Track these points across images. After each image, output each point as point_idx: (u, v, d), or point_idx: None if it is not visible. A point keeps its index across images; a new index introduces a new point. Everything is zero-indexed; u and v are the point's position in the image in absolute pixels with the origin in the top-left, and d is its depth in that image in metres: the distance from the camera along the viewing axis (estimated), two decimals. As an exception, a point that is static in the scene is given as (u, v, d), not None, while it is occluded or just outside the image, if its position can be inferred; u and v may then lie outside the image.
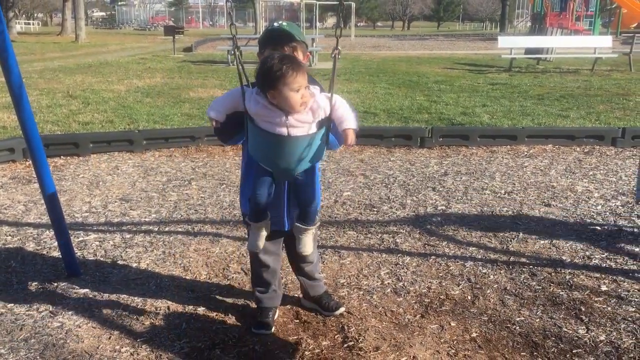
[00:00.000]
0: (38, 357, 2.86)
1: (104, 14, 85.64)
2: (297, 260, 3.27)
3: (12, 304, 3.39)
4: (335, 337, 3.09)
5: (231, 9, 2.74)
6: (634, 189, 3.53)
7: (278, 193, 2.86)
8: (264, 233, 2.90)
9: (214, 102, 2.76)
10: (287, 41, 2.84)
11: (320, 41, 19.87)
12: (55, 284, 3.65)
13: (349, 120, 2.63)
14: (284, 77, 2.46)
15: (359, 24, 74.06)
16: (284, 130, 2.57)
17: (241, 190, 3.15)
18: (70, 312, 3.30)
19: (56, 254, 3.97)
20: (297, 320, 3.26)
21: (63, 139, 7.01)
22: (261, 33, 3.17)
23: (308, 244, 2.89)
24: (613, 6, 36.38)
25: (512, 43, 17.79)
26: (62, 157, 6.68)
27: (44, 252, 4.13)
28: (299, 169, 2.69)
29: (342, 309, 3.32)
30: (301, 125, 2.59)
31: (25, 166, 6.22)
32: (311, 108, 2.59)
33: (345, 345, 3.01)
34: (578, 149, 7.20)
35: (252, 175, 2.82)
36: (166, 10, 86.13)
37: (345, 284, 3.69)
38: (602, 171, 6.24)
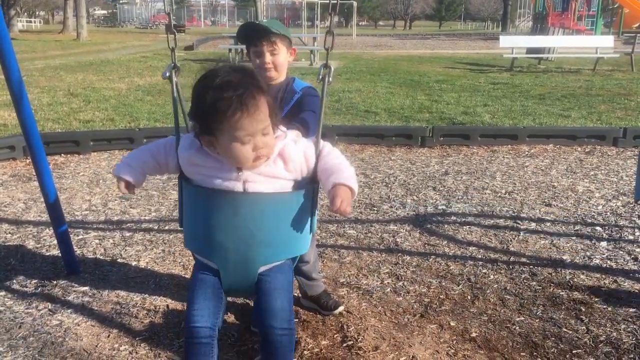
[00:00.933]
0: (37, 355, 2.86)
1: (105, 12, 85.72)
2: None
3: (11, 302, 3.39)
4: (335, 336, 3.09)
5: (169, 13, 2.15)
6: (635, 188, 3.52)
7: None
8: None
9: (130, 154, 2.08)
10: (264, 35, 2.46)
11: (322, 40, 19.83)
12: (55, 282, 3.64)
13: (340, 173, 1.77)
14: (220, 115, 1.65)
15: (360, 23, 74.06)
16: (238, 186, 1.77)
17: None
18: (69, 310, 3.30)
19: (56, 252, 3.96)
20: (296, 320, 3.25)
21: (63, 137, 7.01)
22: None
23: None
24: (615, 6, 36.33)
25: (514, 42, 17.77)
26: (62, 155, 6.68)
27: (44, 250, 4.13)
28: (264, 260, 1.77)
29: (341, 308, 3.30)
30: (266, 180, 1.79)
31: (25, 164, 6.21)
32: (281, 155, 1.79)
33: (345, 345, 3.00)
34: (579, 148, 7.19)
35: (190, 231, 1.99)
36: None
37: (344, 283, 3.68)
38: (603, 171, 6.23)
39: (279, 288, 1.83)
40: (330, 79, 1.89)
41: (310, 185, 1.82)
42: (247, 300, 3.40)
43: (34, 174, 3.63)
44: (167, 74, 2.04)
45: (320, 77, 1.90)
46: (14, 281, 3.66)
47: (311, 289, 3.30)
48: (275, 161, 1.78)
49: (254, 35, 2.50)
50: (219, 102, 1.63)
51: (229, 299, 3.33)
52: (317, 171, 1.81)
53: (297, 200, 1.78)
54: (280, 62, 2.59)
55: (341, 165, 1.80)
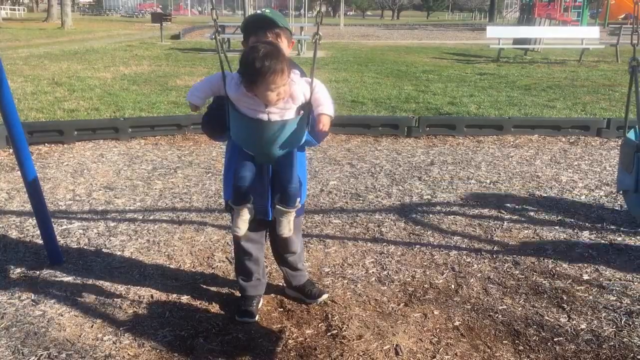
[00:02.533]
0: (19, 346, 2.84)
1: (91, 0, 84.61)
2: (280, 251, 3.26)
3: (-6, 293, 3.36)
4: (319, 325, 3.10)
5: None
6: (617, 180, 3.56)
7: (262, 181, 2.85)
8: (247, 217, 2.88)
9: (194, 87, 2.76)
10: (270, 27, 2.83)
11: (309, 30, 19.75)
12: (38, 272, 3.62)
13: (325, 106, 2.66)
14: (262, 76, 2.46)
15: (348, 13, 73.83)
16: (264, 116, 2.60)
17: (224, 178, 3.13)
18: (52, 301, 3.28)
19: (39, 242, 3.93)
20: (281, 309, 3.26)
21: (47, 127, 6.93)
22: (242, 20, 3.20)
23: (287, 227, 2.86)
24: (601, -3, 36.49)
25: (501, 33, 17.79)
26: (46, 144, 6.61)
27: (27, 240, 4.10)
28: (280, 152, 2.71)
29: (325, 296, 3.32)
30: (281, 111, 2.61)
31: (8, 154, 6.14)
32: (291, 95, 2.61)
33: (329, 334, 3.01)
34: (563, 139, 7.24)
35: (235, 161, 2.82)
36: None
37: (329, 272, 3.69)
38: (586, 161, 6.28)
39: (288, 165, 2.78)
40: (320, 42, 2.76)
41: (306, 108, 2.66)
42: (232, 290, 3.41)
43: (17, 163, 3.59)
44: (213, 36, 2.77)
45: (312, 40, 2.75)
46: (-3, 271, 3.63)
47: (296, 278, 3.31)
48: (287, 100, 2.61)
49: (259, 26, 2.84)
50: (261, 68, 2.44)
51: (214, 289, 3.34)
52: (312, 99, 2.65)
53: (299, 121, 2.66)
54: None
55: (325, 100, 2.66)
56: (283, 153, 2.74)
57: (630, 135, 3.24)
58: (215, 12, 2.75)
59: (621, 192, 3.48)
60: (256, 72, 2.46)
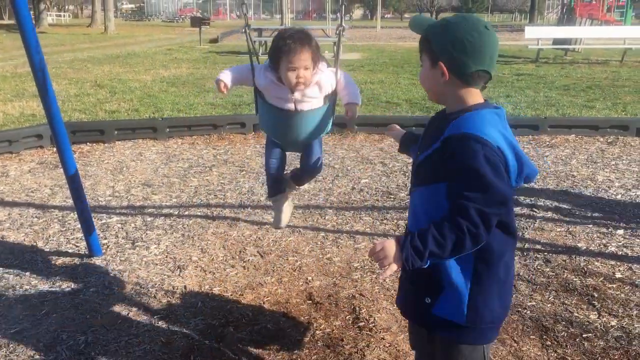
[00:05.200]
0: (59, 331, 2.98)
1: (133, 6, 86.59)
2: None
3: (36, 282, 3.52)
4: (347, 318, 3.15)
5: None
6: None
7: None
8: (287, 208, 3.13)
9: (226, 69, 2.88)
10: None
11: (346, 32, 19.81)
12: (78, 263, 3.77)
13: (352, 95, 2.77)
14: (284, 53, 2.58)
15: (385, 16, 73.68)
16: (291, 106, 2.71)
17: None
18: (91, 290, 3.42)
19: (79, 235, 4.09)
20: (310, 301, 3.33)
21: (89, 126, 7.18)
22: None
23: (287, 213, 3.20)
24: (646, -4, 35.53)
25: (539, 33, 17.51)
26: (88, 143, 6.84)
27: (68, 233, 4.26)
28: (307, 140, 2.86)
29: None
30: (308, 100, 2.71)
31: (52, 152, 6.38)
32: (318, 83, 2.70)
33: (356, 326, 3.07)
34: (601, 139, 7.11)
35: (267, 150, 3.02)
36: (194, 2, 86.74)
37: (358, 267, 3.74)
38: (624, 161, 6.16)
39: (316, 153, 2.96)
40: (344, 32, 2.96)
41: (332, 98, 2.78)
42: (262, 283, 3.48)
43: (60, 161, 3.74)
44: (244, 30, 2.90)
45: (337, 31, 2.90)
46: (39, 262, 3.80)
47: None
48: (313, 86, 2.70)
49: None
50: (282, 46, 2.59)
51: (245, 282, 3.43)
52: (338, 89, 2.76)
53: (325, 110, 2.78)
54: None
55: (352, 89, 2.78)
56: (309, 141, 2.87)
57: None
58: (245, 6, 2.91)
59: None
60: (278, 49, 2.60)
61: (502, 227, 1.77)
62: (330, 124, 2.91)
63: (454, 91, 1.81)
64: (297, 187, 3.33)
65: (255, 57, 2.85)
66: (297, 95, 2.69)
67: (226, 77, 2.83)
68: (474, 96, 1.80)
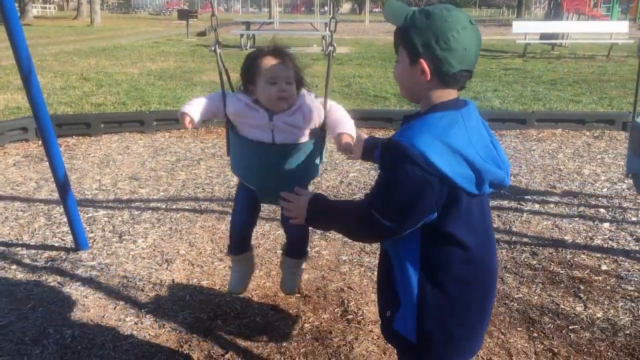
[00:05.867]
0: (45, 325, 2.96)
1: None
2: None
3: (22, 275, 3.49)
4: (335, 310, 3.16)
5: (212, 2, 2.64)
6: (626, 164, 3.56)
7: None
8: (249, 270, 2.78)
9: (193, 99, 2.45)
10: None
11: (332, 26, 19.75)
12: (64, 257, 3.74)
13: (345, 124, 2.34)
14: (260, 66, 2.27)
15: (374, 10, 73.63)
16: (268, 137, 2.31)
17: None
18: (77, 284, 3.40)
19: (65, 228, 4.05)
20: (299, 295, 3.32)
21: (75, 119, 7.11)
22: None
23: (293, 282, 2.83)
24: (632, -8, 35.79)
25: (527, 28, 17.60)
26: (74, 137, 6.78)
27: (54, 227, 4.23)
28: (287, 186, 2.05)
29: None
30: (289, 129, 2.32)
31: (37, 145, 6.31)
32: (301, 109, 2.33)
33: (345, 319, 3.07)
34: (588, 133, 7.16)
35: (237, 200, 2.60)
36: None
37: (347, 260, 3.74)
38: (610, 155, 6.21)
39: None
40: (334, 53, 2.37)
41: (320, 133, 2.38)
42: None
43: (45, 154, 3.71)
44: (213, 48, 2.45)
45: (327, 52, 2.40)
46: (25, 256, 3.76)
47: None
48: (296, 112, 2.32)
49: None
50: (258, 56, 2.29)
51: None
52: (327, 121, 2.36)
53: (311, 147, 2.35)
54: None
55: (345, 118, 2.37)
56: (291, 187, 2.04)
57: (640, 120, 3.23)
58: (215, 18, 2.45)
59: (630, 175, 3.47)
60: (253, 65, 2.28)
61: (444, 237, 1.63)
62: (318, 168, 2.46)
63: (432, 91, 1.65)
64: (295, 260, 2.76)
65: (227, 80, 2.47)
66: (276, 121, 2.29)
67: (193, 110, 2.38)
68: (449, 96, 1.67)
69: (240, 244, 2.69)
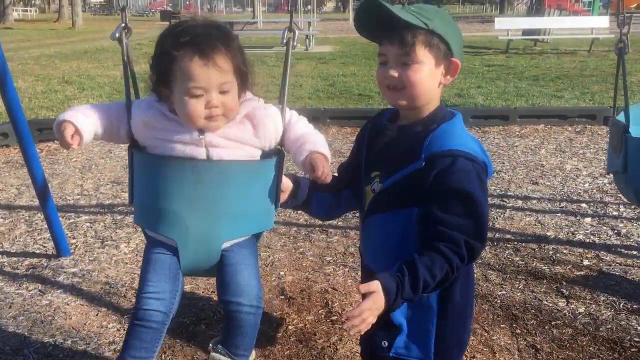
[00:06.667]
0: (26, 333, 2.93)
1: (101, 0, 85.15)
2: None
3: (2, 284, 3.45)
4: (319, 312, 3.15)
5: None
6: (607, 161, 3.60)
7: None
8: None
9: (76, 107, 1.75)
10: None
11: (317, 25, 19.78)
12: (45, 264, 3.70)
13: (316, 142, 1.70)
14: (175, 65, 1.54)
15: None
16: (200, 152, 1.60)
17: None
18: (59, 291, 3.36)
19: (47, 235, 4.01)
20: (283, 297, 3.32)
21: (56, 124, 7.03)
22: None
23: None
24: (613, -14, 36.14)
25: (509, 24, 17.70)
26: (55, 141, 6.70)
27: (35, 234, 4.18)
28: (228, 233, 1.61)
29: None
30: (231, 144, 1.63)
31: (18, 151, 6.22)
32: (249, 115, 1.65)
33: (329, 320, 3.07)
34: (570, 128, 7.22)
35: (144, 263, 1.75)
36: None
37: (331, 261, 3.74)
38: (592, 150, 6.27)
39: (245, 263, 1.67)
40: (294, 42, 1.77)
41: (277, 155, 1.69)
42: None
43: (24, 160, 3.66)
44: (117, 35, 1.77)
45: (285, 41, 1.74)
46: (5, 263, 3.72)
47: None
48: (242, 123, 1.63)
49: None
50: (174, 46, 1.52)
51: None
52: (285, 139, 1.69)
53: (266, 170, 1.66)
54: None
55: (313, 134, 1.72)
56: (234, 238, 1.64)
57: (620, 117, 3.26)
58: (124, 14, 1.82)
59: (611, 173, 3.50)
60: (165, 56, 1.55)
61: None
62: (274, 205, 1.71)
63: (438, 94, 1.65)
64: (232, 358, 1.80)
65: (134, 84, 1.80)
66: (209, 136, 1.59)
67: (79, 119, 1.63)
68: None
69: (137, 344, 1.70)
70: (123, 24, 1.75)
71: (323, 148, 1.69)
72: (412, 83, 1.58)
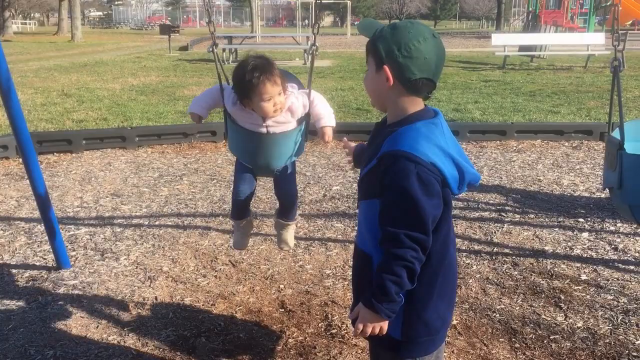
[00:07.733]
0: (26, 345, 2.93)
1: (101, 13, 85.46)
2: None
3: (3, 296, 3.45)
4: (319, 325, 3.16)
5: (209, 5, 2.86)
6: (603, 177, 3.64)
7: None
8: (248, 231, 3.04)
9: (195, 99, 2.81)
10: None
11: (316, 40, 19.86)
12: (45, 276, 3.71)
13: (326, 117, 2.71)
14: (254, 88, 2.49)
15: (355, 23, 74.12)
16: (262, 130, 2.63)
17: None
18: (59, 303, 3.37)
19: (47, 247, 4.02)
20: (282, 310, 3.33)
21: (56, 136, 7.06)
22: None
23: (290, 240, 3.07)
24: (608, 3, 36.47)
25: (506, 40, 17.84)
26: (55, 154, 6.73)
27: (35, 246, 4.19)
28: (279, 165, 2.75)
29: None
30: (280, 125, 2.64)
31: (18, 163, 6.26)
32: (289, 108, 2.63)
33: (329, 333, 3.08)
34: (566, 143, 7.27)
35: (236, 174, 2.88)
36: (163, 10, 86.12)
37: (330, 274, 3.76)
38: (589, 165, 6.31)
39: (288, 177, 2.87)
40: (317, 53, 2.77)
41: (305, 120, 2.71)
42: (234, 292, 3.47)
43: (25, 172, 3.68)
44: (211, 49, 2.79)
45: (309, 51, 2.85)
46: (6, 275, 3.73)
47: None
48: (285, 113, 2.63)
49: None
50: (250, 80, 2.48)
51: (217, 291, 3.41)
52: (310, 111, 2.70)
53: (298, 133, 2.71)
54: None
55: (326, 111, 2.72)
56: (282, 166, 2.76)
57: (615, 134, 3.30)
58: (212, 24, 2.78)
59: (607, 190, 3.53)
60: (248, 85, 2.49)
61: (434, 235, 1.71)
62: (303, 146, 2.84)
63: (397, 98, 1.76)
64: (287, 222, 3.04)
65: (225, 78, 2.75)
66: (269, 121, 2.62)
67: (198, 108, 2.76)
68: (415, 105, 1.76)
69: (241, 211, 2.98)
70: (213, 42, 2.78)
71: (331, 122, 2.72)
72: (364, 86, 1.90)
